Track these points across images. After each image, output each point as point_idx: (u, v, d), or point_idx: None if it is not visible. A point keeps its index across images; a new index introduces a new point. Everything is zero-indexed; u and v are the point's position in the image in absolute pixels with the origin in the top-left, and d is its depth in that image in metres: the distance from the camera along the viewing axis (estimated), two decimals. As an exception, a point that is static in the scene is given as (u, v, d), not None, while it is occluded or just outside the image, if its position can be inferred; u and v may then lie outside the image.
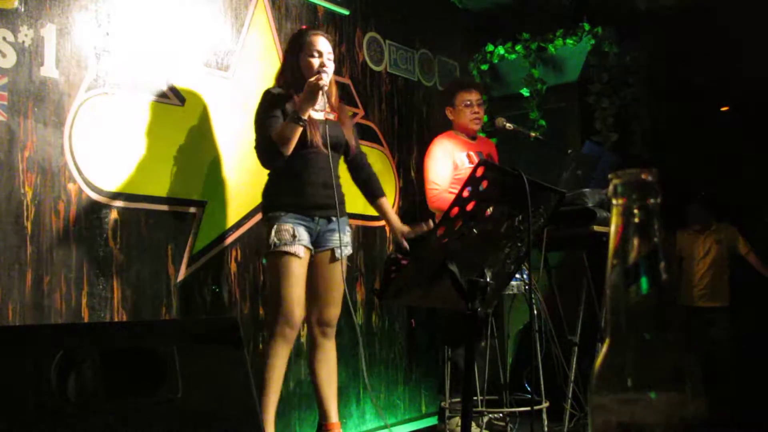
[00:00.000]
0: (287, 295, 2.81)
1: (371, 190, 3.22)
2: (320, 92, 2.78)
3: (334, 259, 2.98)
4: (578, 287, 3.57)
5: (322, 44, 2.99)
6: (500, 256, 1.62)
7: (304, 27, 3.27)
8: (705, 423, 0.64)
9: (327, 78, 2.85)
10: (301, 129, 2.80)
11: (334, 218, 2.96)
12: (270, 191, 2.97)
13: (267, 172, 3.02)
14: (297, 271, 2.84)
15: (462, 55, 4.88)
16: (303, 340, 3.40)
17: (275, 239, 2.83)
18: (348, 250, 3.05)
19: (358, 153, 3.19)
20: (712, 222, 4.90)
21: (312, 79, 2.80)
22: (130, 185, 2.88)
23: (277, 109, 2.89)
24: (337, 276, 2.98)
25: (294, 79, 2.97)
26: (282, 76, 3.05)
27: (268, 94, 2.95)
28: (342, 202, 3.02)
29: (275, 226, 2.84)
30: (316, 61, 2.95)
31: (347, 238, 3.04)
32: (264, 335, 3.23)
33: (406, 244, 3.01)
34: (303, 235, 2.86)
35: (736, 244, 4.85)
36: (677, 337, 0.67)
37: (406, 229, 3.09)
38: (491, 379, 3.65)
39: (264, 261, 3.21)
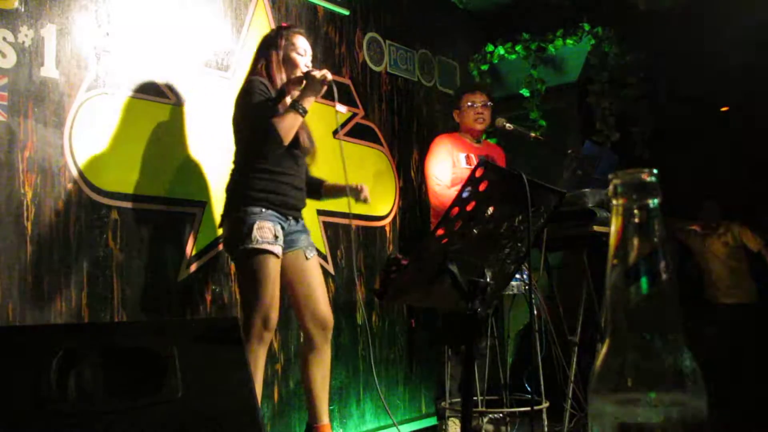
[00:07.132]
0: (267, 297, 2.73)
1: (315, 183, 3.16)
2: (324, 87, 2.77)
3: (305, 259, 2.94)
4: (578, 287, 3.56)
5: (305, 44, 2.98)
6: (500, 256, 1.62)
7: (284, 24, 3.24)
8: (705, 423, 0.64)
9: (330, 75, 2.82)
10: (301, 119, 2.78)
11: (300, 219, 2.96)
12: (245, 185, 2.82)
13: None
14: (275, 272, 2.76)
15: (462, 55, 4.88)
16: (303, 340, 3.39)
17: (257, 236, 2.71)
18: (314, 251, 3.01)
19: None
20: (719, 221, 4.90)
21: (316, 73, 2.79)
22: (130, 185, 2.88)
23: (273, 98, 2.83)
24: (317, 275, 2.96)
25: (277, 74, 2.90)
26: (263, 70, 2.90)
27: (257, 82, 2.82)
28: (305, 204, 3.02)
29: (257, 223, 2.73)
30: (301, 59, 2.93)
31: (310, 238, 3.02)
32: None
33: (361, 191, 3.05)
34: (280, 234, 2.80)
35: (745, 242, 4.84)
36: (677, 337, 0.67)
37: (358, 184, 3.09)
38: (491, 378, 3.65)
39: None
